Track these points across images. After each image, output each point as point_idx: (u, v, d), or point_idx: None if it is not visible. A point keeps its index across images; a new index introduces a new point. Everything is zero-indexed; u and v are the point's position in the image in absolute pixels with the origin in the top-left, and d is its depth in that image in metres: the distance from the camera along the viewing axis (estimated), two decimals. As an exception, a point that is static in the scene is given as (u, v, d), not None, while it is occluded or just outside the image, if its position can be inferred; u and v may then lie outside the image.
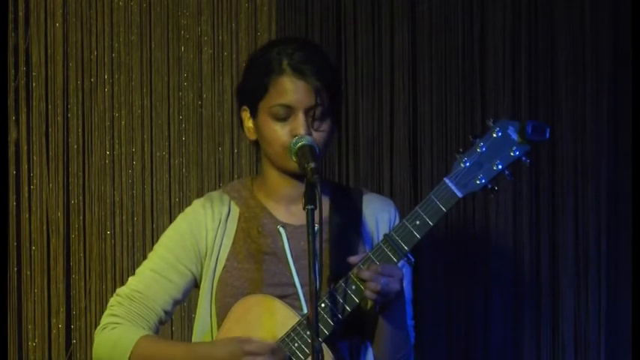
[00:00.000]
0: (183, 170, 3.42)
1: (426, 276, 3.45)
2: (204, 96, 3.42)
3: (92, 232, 3.38)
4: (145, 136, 3.41)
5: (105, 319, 2.45)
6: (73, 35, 3.39)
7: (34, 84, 3.37)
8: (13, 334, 3.34)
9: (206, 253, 2.45)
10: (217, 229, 2.46)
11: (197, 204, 2.50)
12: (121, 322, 2.42)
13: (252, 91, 2.43)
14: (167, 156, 3.41)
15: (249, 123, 2.47)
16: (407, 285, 2.43)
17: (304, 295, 2.35)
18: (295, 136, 2.35)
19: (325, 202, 2.42)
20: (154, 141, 3.41)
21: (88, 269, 3.38)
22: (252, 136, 2.48)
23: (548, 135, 2.27)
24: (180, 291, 2.46)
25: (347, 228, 2.45)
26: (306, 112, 2.37)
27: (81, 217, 3.37)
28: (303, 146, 2.32)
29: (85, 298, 3.37)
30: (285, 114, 2.38)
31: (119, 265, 3.38)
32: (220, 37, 3.44)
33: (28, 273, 3.35)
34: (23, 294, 3.35)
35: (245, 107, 2.47)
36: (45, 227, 3.37)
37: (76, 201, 3.37)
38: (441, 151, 3.51)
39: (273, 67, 2.40)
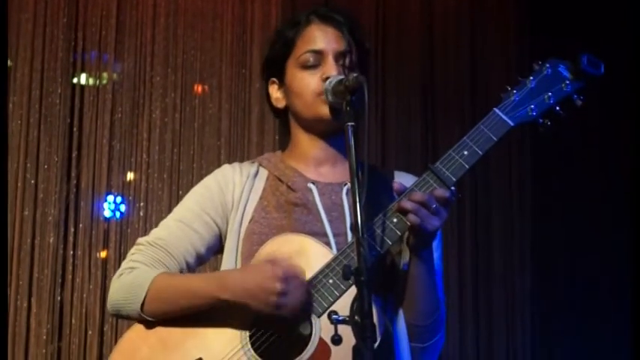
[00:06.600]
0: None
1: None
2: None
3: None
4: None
5: (123, 266, 2.34)
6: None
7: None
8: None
9: (232, 206, 2.36)
10: (245, 183, 2.37)
11: (225, 165, 2.44)
12: (139, 267, 2.30)
13: (279, 51, 2.38)
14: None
15: (277, 94, 2.42)
16: (437, 259, 2.31)
17: (337, 245, 2.24)
18: (326, 80, 2.28)
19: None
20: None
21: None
22: (281, 104, 2.41)
23: (602, 70, 2.19)
24: (204, 244, 2.35)
25: (379, 188, 2.31)
26: (336, 58, 2.32)
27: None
28: (339, 81, 2.23)
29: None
30: (315, 60, 2.33)
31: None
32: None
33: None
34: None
35: (273, 79, 2.42)
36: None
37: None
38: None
39: (299, 21, 2.37)
